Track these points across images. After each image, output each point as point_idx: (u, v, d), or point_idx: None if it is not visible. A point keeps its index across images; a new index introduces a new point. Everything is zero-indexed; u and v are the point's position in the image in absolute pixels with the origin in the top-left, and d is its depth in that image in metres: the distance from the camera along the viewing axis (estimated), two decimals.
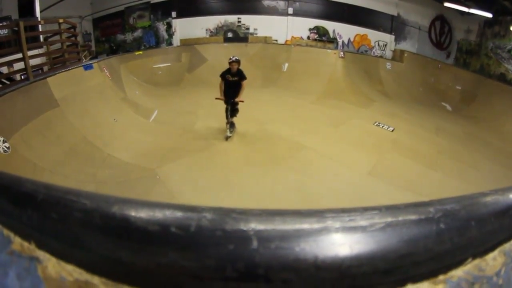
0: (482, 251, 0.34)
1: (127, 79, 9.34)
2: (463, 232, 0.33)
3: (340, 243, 0.28)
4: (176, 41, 13.84)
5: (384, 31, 15.02)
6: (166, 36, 14.05)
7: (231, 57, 6.17)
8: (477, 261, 0.33)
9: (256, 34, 13.61)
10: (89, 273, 0.32)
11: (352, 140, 7.04)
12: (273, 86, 11.05)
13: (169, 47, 13.66)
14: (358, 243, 0.29)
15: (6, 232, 0.35)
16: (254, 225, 0.30)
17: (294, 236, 0.29)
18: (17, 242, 0.34)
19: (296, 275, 0.27)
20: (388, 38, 15.07)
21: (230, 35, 13.60)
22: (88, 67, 7.35)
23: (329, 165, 5.48)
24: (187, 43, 13.20)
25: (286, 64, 11.94)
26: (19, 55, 6.13)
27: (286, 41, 13.67)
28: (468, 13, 14.19)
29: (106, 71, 7.98)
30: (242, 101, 6.18)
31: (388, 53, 15.13)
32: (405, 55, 14.46)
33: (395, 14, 15.01)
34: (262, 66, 11.83)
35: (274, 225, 0.30)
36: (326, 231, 0.29)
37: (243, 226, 0.30)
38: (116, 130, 6.42)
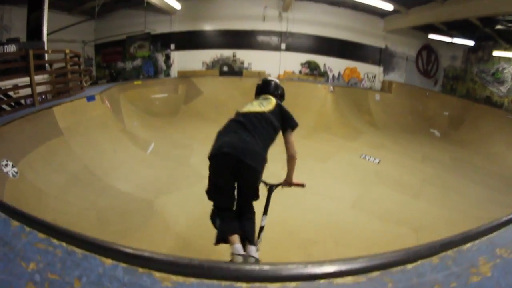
0: None
1: (126, 109, 9.72)
2: None
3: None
4: (173, 72, 14.35)
5: (373, 63, 15.56)
6: (164, 67, 14.60)
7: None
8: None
9: (250, 68, 14.14)
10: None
11: (338, 174, 7.27)
12: None
13: (167, 78, 14.14)
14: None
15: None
16: None
17: None
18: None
19: None
20: (377, 70, 15.60)
21: (225, 69, 14.14)
22: (90, 99, 7.71)
23: (314, 199, 5.65)
24: (184, 75, 13.68)
25: None
26: (26, 79, 6.52)
27: (279, 75, 14.19)
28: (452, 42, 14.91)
29: (107, 102, 8.38)
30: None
31: (377, 85, 15.61)
32: (394, 85, 14.87)
33: (383, 46, 15.55)
34: None
35: None
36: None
37: None
38: (115, 161, 6.70)
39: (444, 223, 5.29)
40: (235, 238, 2.46)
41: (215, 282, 0.74)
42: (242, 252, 2.40)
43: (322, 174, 7.16)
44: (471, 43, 14.70)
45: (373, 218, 5.36)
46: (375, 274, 0.75)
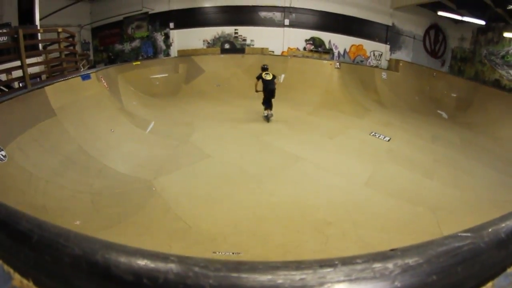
0: None
1: (124, 89, 9.35)
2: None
3: None
4: (173, 51, 13.94)
5: (379, 41, 15.14)
6: (163, 47, 14.16)
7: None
8: None
9: (253, 45, 13.75)
10: None
11: (349, 150, 7.06)
12: None
13: (167, 57, 13.75)
14: None
15: (6, 267, 0.38)
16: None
17: None
18: (17, 279, 0.37)
19: None
20: (384, 48, 15.19)
21: (227, 46, 13.71)
22: (85, 77, 7.35)
23: (326, 176, 5.46)
24: (185, 54, 13.30)
25: (283, 75, 12.02)
26: (18, 63, 6.12)
27: (283, 52, 13.80)
28: (462, 21, 14.32)
29: (103, 81, 7.99)
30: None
31: (384, 63, 15.21)
32: (401, 64, 14.51)
33: (390, 24, 15.15)
34: None
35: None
36: None
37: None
38: (112, 141, 6.39)
39: (459, 204, 5.14)
40: (269, 110, 8.76)
41: None
42: (271, 113, 8.75)
43: (332, 150, 6.99)
44: (481, 22, 14.01)
45: (388, 197, 5.16)
46: None
